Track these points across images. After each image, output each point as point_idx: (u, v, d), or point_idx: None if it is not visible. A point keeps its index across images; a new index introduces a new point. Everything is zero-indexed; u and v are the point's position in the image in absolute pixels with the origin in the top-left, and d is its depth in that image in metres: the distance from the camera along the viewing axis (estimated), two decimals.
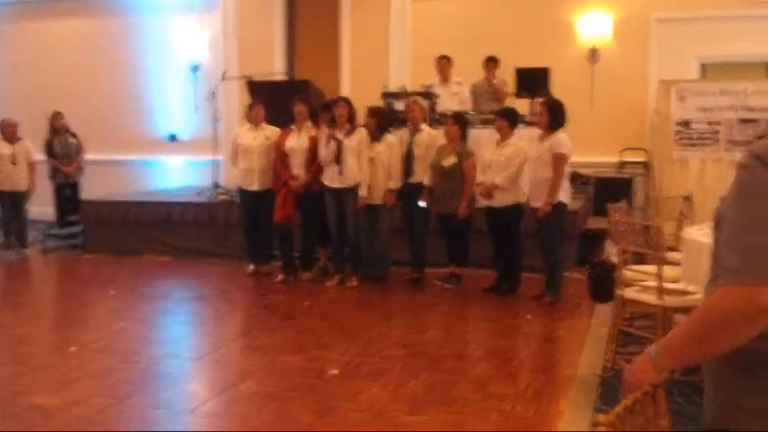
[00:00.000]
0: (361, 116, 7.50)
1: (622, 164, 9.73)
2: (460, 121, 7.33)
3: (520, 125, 7.72)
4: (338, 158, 7.21)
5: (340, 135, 7.26)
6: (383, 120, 7.49)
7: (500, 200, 6.87)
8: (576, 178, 9.19)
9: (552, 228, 6.58)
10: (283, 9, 10.98)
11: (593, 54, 10.07)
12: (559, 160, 6.45)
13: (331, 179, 7.31)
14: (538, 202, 6.54)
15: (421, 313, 6.63)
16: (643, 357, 1.80)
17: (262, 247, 7.93)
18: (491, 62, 9.25)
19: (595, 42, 10.07)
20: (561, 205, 6.58)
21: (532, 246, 7.04)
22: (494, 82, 9.21)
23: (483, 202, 7.08)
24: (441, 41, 9.83)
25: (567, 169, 6.60)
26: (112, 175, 11.38)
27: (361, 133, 7.31)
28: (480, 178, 7.00)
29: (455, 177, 7.06)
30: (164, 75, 11.87)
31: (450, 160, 7.08)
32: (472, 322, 6.49)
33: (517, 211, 6.89)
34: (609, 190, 8.67)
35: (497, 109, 8.01)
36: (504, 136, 6.90)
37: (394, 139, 7.43)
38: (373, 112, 7.52)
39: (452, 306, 6.76)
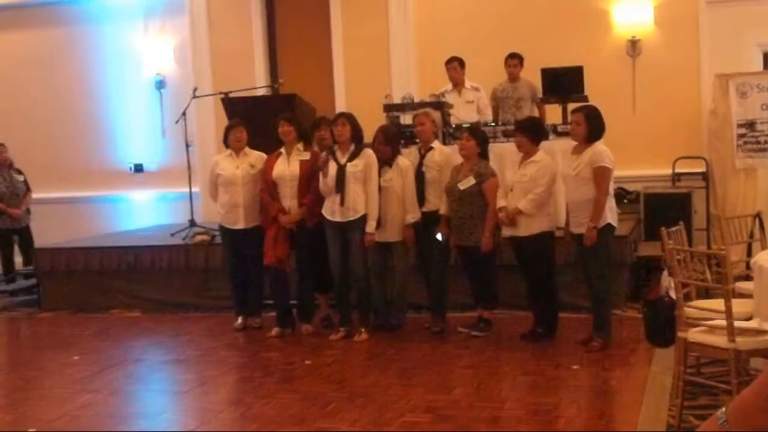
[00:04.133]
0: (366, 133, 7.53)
1: (677, 177, 9.71)
2: (477, 135, 7.37)
3: (551, 137, 7.85)
4: (339, 186, 7.27)
5: (342, 158, 7.33)
6: (390, 140, 7.54)
7: (526, 228, 6.89)
8: (623, 196, 9.20)
9: (599, 257, 6.59)
10: (261, 11, 11.11)
11: (633, 46, 10.14)
12: (602, 174, 6.48)
13: (331, 212, 7.34)
14: (581, 228, 6.56)
15: (446, 368, 6.62)
16: (710, 422, 1.85)
17: (251, 296, 8.00)
18: (513, 59, 9.31)
19: (635, 32, 10.12)
20: (608, 228, 6.61)
21: (574, 280, 7.07)
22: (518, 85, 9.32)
23: (507, 232, 7.11)
24: (451, 41, 9.93)
25: (611, 186, 6.67)
26: (67, 217, 11.49)
27: (368, 156, 7.32)
28: (501, 202, 7.02)
29: (475, 202, 7.10)
30: (124, 93, 11.99)
31: (468, 182, 7.12)
32: (508, 377, 6.45)
33: (547, 240, 6.93)
34: (662, 208, 8.71)
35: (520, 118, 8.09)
36: (527, 153, 6.96)
37: (406, 162, 7.47)
38: (384, 133, 7.59)
39: (482, 357, 6.77)
